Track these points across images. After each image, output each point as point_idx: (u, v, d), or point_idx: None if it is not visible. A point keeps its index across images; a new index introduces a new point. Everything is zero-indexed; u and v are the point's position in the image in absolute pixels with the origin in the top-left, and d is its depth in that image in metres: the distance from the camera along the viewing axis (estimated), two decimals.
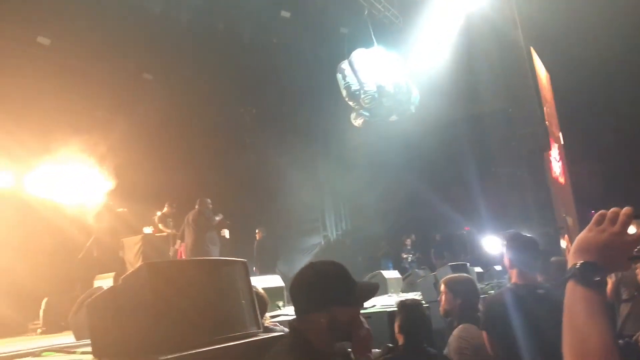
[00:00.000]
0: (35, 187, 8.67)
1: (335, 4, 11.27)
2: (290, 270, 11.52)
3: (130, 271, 2.44)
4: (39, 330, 6.89)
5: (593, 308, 0.94)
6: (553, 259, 5.16)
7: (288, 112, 14.42)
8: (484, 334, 3.13)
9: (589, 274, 0.97)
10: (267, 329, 2.91)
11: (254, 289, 2.76)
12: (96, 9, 9.20)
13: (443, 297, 3.68)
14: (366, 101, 10.10)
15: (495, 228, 12.36)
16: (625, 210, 1.02)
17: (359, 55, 10.32)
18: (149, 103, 11.05)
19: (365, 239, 15.26)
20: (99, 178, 9.67)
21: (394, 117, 10.86)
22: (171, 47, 10.90)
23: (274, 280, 7.04)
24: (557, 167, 14.12)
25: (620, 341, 2.44)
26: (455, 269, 6.24)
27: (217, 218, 9.16)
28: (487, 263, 10.22)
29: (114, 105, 10.34)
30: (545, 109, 13.35)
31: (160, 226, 9.62)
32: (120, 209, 10.00)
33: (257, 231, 11.67)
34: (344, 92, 10.30)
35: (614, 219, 1.01)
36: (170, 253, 9.38)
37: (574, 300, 0.97)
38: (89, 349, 2.63)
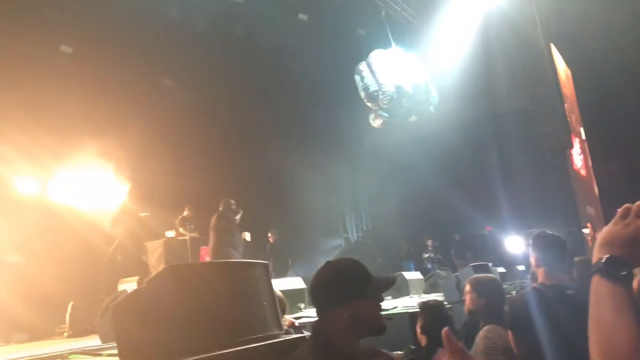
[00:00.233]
0: (59, 193, 8.82)
1: (352, 6, 11.26)
2: (310, 272, 11.49)
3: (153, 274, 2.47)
4: (65, 334, 7.01)
5: (620, 303, 0.92)
6: (577, 258, 5.07)
7: (307, 115, 14.44)
8: (510, 333, 3.08)
9: (615, 268, 0.96)
10: (297, 329, 2.92)
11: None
12: (116, 18, 9.34)
13: (468, 297, 3.65)
14: (385, 102, 10.08)
15: (518, 228, 12.24)
16: None
17: (376, 56, 10.31)
18: (169, 108, 11.18)
19: (386, 240, 15.21)
20: (120, 183, 9.81)
21: (413, 118, 10.82)
22: (190, 53, 11.02)
23: (295, 282, 7.06)
24: (578, 160, 13.92)
25: None
26: (477, 269, 6.18)
27: (238, 217, 9.03)
28: (510, 263, 10.12)
29: (135, 110, 10.46)
30: (566, 105, 13.16)
31: (181, 230, 9.68)
32: (143, 214, 10.11)
33: (269, 234, 11.66)
34: (363, 94, 10.29)
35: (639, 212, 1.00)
36: (192, 256, 9.44)
37: (600, 295, 0.95)
38: (115, 351, 2.67)
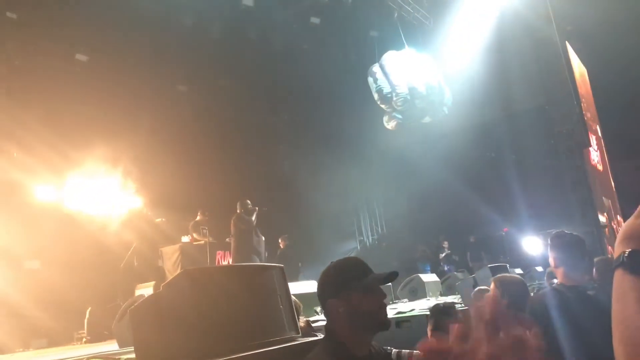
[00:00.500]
0: (76, 200, 8.91)
1: (364, 8, 11.25)
2: None
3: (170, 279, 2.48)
4: (84, 339, 7.06)
5: None
6: (597, 258, 5.00)
7: (320, 118, 14.44)
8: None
9: (638, 262, 0.93)
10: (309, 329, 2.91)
11: None
12: (130, 26, 9.44)
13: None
14: (399, 104, 10.05)
15: (535, 228, 12.11)
16: None
17: (389, 57, 10.29)
18: (183, 114, 11.27)
19: (402, 243, 15.13)
20: (136, 189, 9.89)
21: (427, 119, 10.77)
22: (203, 58, 11.09)
23: (312, 286, 7.04)
24: (595, 155, 13.79)
25: None
26: (495, 270, 6.12)
27: (254, 217, 8.86)
28: (527, 264, 10.00)
29: (149, 116, 10.55)
30: (582, 104, 13.01)
31: (195, 235, 9.70)
32: (159, 219, 10.18)
33: (280, 240, 11.63)
34: (376, 96, 10.27)
35: None
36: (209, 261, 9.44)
37: (624, 289, 0.93)
38: (133, 355, 2.68)
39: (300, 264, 11.61)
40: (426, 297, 7.91)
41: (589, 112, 14.17)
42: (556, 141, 12.08)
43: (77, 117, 9.20)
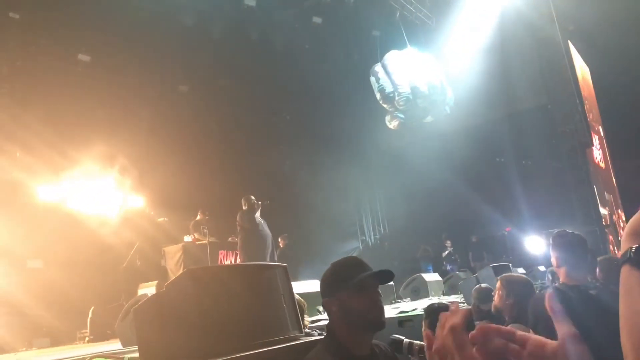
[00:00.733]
0: (79, 199, 8.93)
1: (366, 8, 11.25)
2: None
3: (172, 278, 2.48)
4: (86, 339, 7.07)
5: None
6: (600, 257, 4.98)
7: (322, 117, 14.44)
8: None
9: None
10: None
11: None
12: (132, 26, 9.44)
13: (497, 294, 3.60)
14: (401, 103, 10.04)
15: (538, 228, 12.09)
16: None
17: (392, 57, 10.28)
18: (185, 114, 11.28)
19: (404, 242, 15.12)
20: (137, 189, 9.91)
21: (429, 118, 10.76)
22: (204, 59, 11.10)
23: (315, 285, 7.04)
24: (597, 154, 13.80)
25: None
26: (497, 269, 6.12)
27: (257, 215, 8.64)
28: (529, 264, 9.99)
29: (152, 116, 10.57)
30: (585, 105, 12.99)
31: (196, 235, 9.70)
32: (161, 219, 10.20)
33: (280, 239, 11.60)
34: (378, 95, 10.27)
35: None
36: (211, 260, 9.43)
37: (631, 285, 0.92)
38: (136, 354, 2.68)
39: (299, 268, 11.60)
40: (428, 296, 7.91)
41: (592, 113, 14.15)
42: (558, 141, 12.06)
43: (79, 117, 9.22)
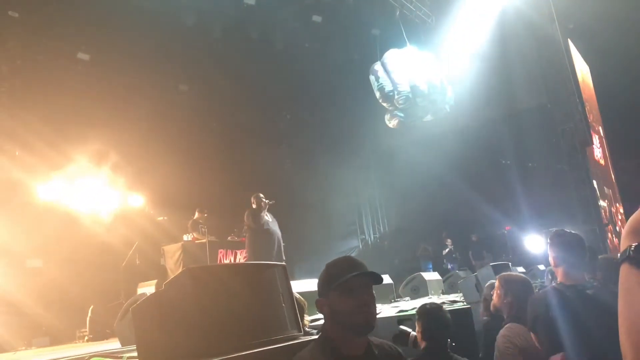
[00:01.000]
0: (78, 198, 8.93)
1: (366, 6, 11.23)
2: None
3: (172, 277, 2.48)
4: (86, 338, 7.08)
5: None
6: (600, 257, 4.98)
7: (322, 116, 14.44)
8: (532, 334, 3.04)
9: None
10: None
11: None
12: (131, 25, 9.43)
13: (495, 294, 3.61)
14: (400, 102, 10.03)
15: (538, 227, 12.10)
16: None
17: (391, 56, 10.26)
18: (184, 113, 11.27)
19: (404, 241, 15.13)
20: (137, 187, 9.91)
21: (429, 117, 10.75)
22: (204, 58, 11.09)
23: (315, 284, 7.02)
24: (597, 152, 13.82)
25: None
26: (497, 269, 6.11)
27: (263, 213, 8.53)
28: (529, 263, 10.00)
29: (151, 115, 10.56)
30: (586, 106, 12.99)
31: (195, 234, 9.70)
32: (160, 218, 10.20)
33: None
34: (378, 94, 10.25)
35: None
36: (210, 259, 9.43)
37: (630, 284, 0.92)
38: (135, 354, 2.68)
39: (294, 267, 11.58)
40: (428, 295, 7.91)
41: (592, 114, 14.15)
42: (558, 140, 12.05)
43: (78, 116, 9.21)
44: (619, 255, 0.96)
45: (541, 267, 8.96)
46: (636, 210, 1.01)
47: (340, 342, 1.88)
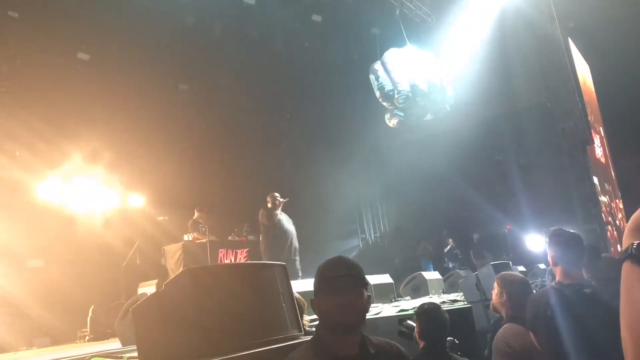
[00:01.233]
0: (78, 198, 8.93)
1: (365, 6, 11.23)
2: None
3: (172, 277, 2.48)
4: (86, 338, 7.08)
5: None
6: (604, 255, 4.97)
7: (322, 115, 14.42)
8: (531, 334, 3.04)
9: None
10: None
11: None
12: (131, 24, 9.43)
13: (494, 293, 3.61)
14: (400, 101, 10.02)
15: (538, 226, 12.09)
16: None
17: (391, 55, 10.25)
18: (185, 113, 11.27)
19: (404, 241, 15.12)
20: (137, 187, 9.91)
21: (429, 116, 10.73)
22: (204, 57, 11.08)
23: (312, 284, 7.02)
24: (598, 151, 13.83)
25: None
26: (497, 268, 6.11)
27: (277, 212, 8.51)
28: (530, 262, 9.99)
29: (152, 115, 10.56)
30: (585, 101, 12.98)
31: (195, 234, 9.69)
32: (161, 218, 10.19)
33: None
34: (378, 93, 10.24)
35: None
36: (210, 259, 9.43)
37: (632, 281, 0.92)
38: (135, 354, 2.68)
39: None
40: (429, 294, 7.91)
41: (592, 114, 14.15)
42: (559, 138, 12.05)
43: (78, 116, 9.21)
44: (622, 252, 0.97)
45: (542, 266, 8.95)
46: (637, 208, 1.01)
47: (331, 342, 1.89)
